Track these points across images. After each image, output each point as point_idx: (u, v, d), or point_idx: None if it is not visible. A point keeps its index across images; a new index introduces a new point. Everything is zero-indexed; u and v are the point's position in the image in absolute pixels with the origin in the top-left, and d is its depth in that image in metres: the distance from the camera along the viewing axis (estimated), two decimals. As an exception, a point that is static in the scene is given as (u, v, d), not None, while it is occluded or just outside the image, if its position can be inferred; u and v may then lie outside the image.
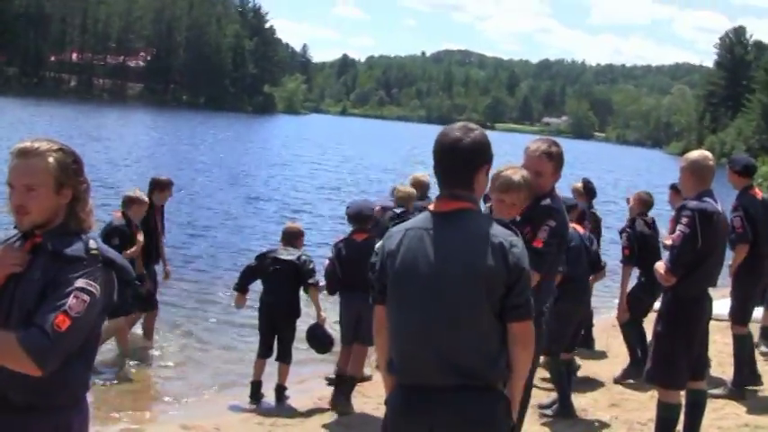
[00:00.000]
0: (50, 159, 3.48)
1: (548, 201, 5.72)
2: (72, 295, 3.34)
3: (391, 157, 61.58)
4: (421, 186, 11.27)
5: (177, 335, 12.00)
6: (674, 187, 9.94)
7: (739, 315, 9.24)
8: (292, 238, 9.56)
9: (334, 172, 43.03)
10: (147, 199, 10.65)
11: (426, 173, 10.75)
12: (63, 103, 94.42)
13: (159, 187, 11.32)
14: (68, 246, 3.46)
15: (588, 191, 11.41)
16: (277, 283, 9.25)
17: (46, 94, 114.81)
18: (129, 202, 10.45)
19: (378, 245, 4.61)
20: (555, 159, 5.84)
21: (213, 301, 13.83)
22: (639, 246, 10.08)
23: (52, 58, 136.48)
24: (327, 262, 9.34)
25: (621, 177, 59.05)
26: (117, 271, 3.57)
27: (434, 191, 5.28)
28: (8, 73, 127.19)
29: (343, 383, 9.09)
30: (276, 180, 36.83)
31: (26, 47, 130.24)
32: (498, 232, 3.99)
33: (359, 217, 9.12)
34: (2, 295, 3.43)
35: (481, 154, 4.10)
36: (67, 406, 3.52)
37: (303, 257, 9.32)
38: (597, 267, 9.39)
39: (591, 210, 11.33)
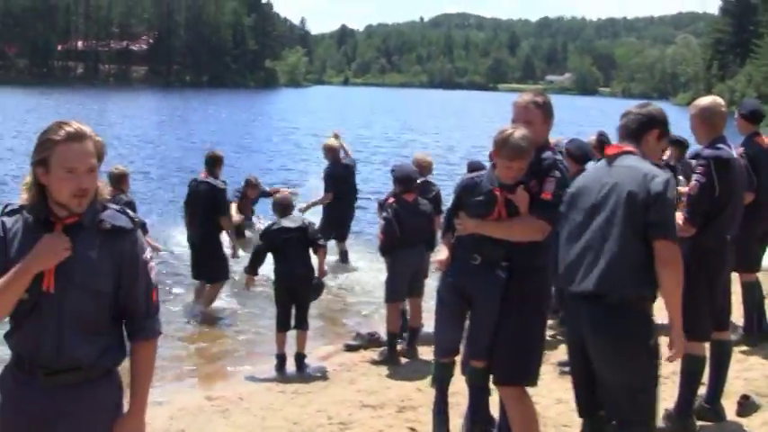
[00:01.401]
0: (96, 140, 3.66)
1: (548, 153, 5.63)
2: (148, 270, 3.77)
3: (393, 124, 61.47)
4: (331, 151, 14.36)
5: (192, 309, 12.08)
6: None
7: (745, 262, 9.10)
8: (288, 208, 9.70)
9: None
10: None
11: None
12: (72, 91, 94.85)
13: (222, 161, 12.19)
14: (118, 220, 3.70)
15: (602, 145, 11.31)
16: (291, 252, 9.36)
17: (55, 82, 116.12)
18: (121, 178, 10.37)
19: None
20: (543, 108, 5.73)
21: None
22: None
23: (59, 48, 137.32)
24: (383, 222, 9.70)
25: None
26: (144, 230, 4.06)
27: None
28: (19, 65, 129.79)
29: (394, 340, 9.57)
30: (277, 154, 36.78)
31: (34, 38, 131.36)
32: (646, 167, 4.98)
33: (407, 179, 9.58)
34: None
35: (650, 121, 5.21)
36: (116, 366, 3.79)
37: (307, 221, 9.69)
38: None
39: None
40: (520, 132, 5.42)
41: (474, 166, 10.21)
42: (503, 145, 5.42)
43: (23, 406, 3.62)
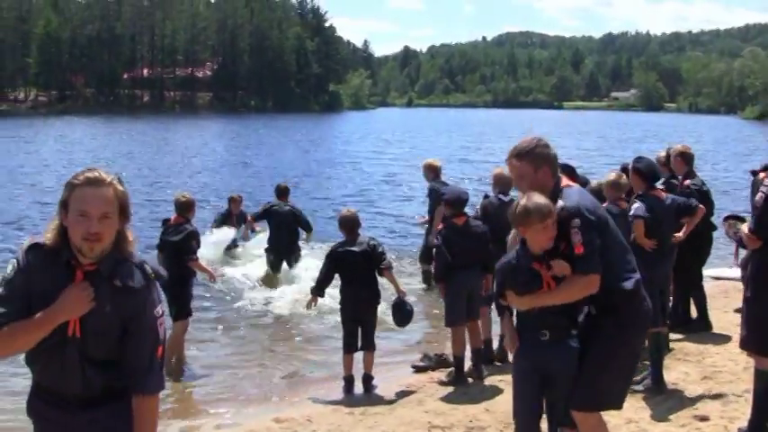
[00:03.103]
0: (118, 188, 3.68)
1: (559, 203, 5.31)
2: (158, 324, 3.81)
3: (453, 144, 61.77)
4: (433, 170, 14.29)
5: (252, 333, 12.31)
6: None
7: None
8: (355, 226, 9.56)
9: (394, 164, 42.85)
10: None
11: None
12: (137, 118, 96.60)
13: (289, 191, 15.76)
14: (131, 277, 3.74)
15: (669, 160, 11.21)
16: (356, 274, 9.35)
17: (121, 110, 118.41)
18: (186, 205, 10.52)
19: None
20: (526, 157, 5.43)
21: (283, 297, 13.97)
22: None
23: (125, 76, 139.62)
24: (434, 250, 9.65)
25: (705, 148, 57.48)
26: (160, 280, 3.90)
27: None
28: (86, 93, 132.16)
29: (460, 362, 9.50)
30: (339, 176, 37.08)
31: (101, 67, 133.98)
32: None
33: (457, 202, 9.49)
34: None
35: None
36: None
37: (372, 243, 9.50)
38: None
39: (671, 179, 11.05)
40: (523, 200, 5.26)
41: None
42: (525, 216, 5.21)
43: (60, 421, 3.76)
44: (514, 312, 5.64)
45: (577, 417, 5.42)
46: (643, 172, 8.65)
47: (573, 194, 5.37)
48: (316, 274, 9.85)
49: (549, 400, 5.54)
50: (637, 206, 8.54)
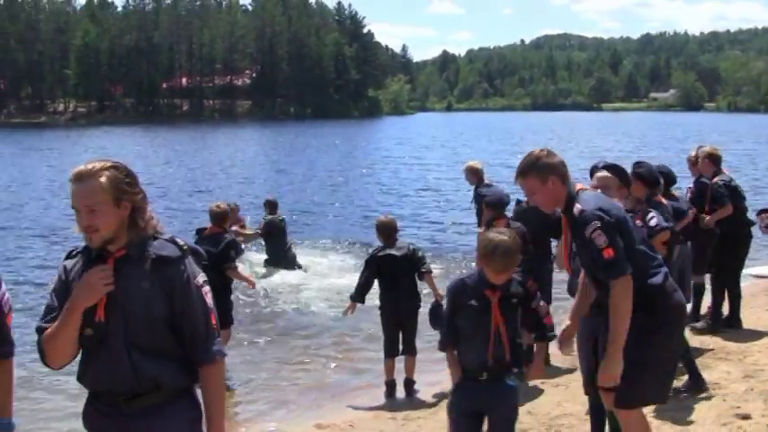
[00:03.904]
0: (103, 179, 3.69)
1: (577, 207, 5.28)
2: (203, 294, 3.84)
3: (492, 147, 61.75)
4: (475, 173, 13.58)
5: (292, 339, 12.37)
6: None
7: None
8: (393, 231, 9.58)
9: (434, 170, 42.76)
10: None
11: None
12: (177, 127, 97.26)
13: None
14: (164, 248, 3.80)
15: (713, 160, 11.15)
16: (396, 279, 9.37)
17: (160, 120, 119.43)
18: (221, 216, 10.62)
19: None
20: (531, 171, 5.36)
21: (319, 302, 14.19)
22: None
23: (164, 86, 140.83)
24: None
25: (747, 147, 56.89)
26: (199, 258, 3.96)
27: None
28: (126, 104, 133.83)
29: None
30: (378, 182, 37.18)
31: (139, 77, 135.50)
32: None
33: (498, 204, 9.35)
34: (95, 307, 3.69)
35: None
36: (193, 383, 3.90)
37: (412, 247, 9.52)
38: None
39: (701, 179, 10.99)
40: (492, 235, 5.33)
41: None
42: (491, 253, 5.24)
43: (111, 430, 3.80)
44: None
45: (620, 414, 5.51)
46: (645, 177, 8.50)
47: (589, 198, 5.37)
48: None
49: None
50: (656, 217, 8.35)
